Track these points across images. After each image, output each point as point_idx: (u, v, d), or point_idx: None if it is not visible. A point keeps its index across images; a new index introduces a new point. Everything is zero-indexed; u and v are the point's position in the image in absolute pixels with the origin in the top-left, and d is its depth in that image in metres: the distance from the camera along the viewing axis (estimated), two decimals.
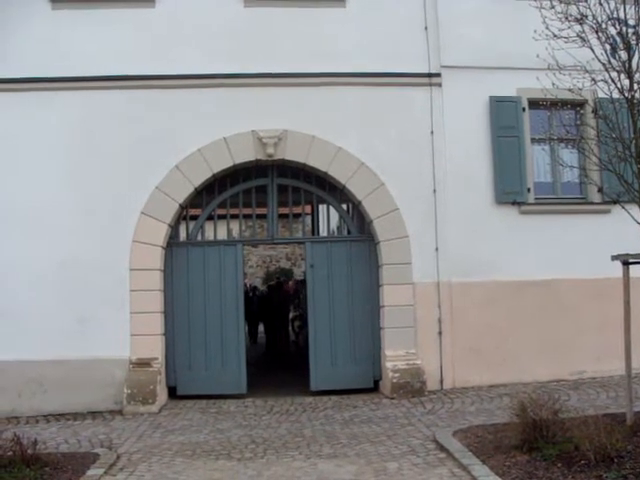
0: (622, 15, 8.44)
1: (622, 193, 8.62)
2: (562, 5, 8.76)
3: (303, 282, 21.88)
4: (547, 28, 8.71)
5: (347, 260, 12.44)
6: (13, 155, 11.61)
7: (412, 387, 11.54)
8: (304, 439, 9.06)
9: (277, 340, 20.34)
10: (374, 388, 12.17)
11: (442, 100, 12.32)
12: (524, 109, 12.36)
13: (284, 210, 13.00)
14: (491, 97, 12.32)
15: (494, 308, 11.94)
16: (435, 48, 12.36)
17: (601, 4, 8.42)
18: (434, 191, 12.16)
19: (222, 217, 12.66)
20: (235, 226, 12.97)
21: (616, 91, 8.38)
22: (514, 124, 12.32)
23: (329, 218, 13.06)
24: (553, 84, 8.92)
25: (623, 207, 8.53)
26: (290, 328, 21.02)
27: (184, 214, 12.49)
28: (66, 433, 9.85)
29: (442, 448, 8.17)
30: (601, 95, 8.97)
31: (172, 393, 11.99)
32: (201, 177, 12.03)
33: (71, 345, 11.28)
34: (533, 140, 12.53)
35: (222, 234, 12.75)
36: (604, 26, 8.45)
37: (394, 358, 11.80)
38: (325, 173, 12.26)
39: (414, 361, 11.81)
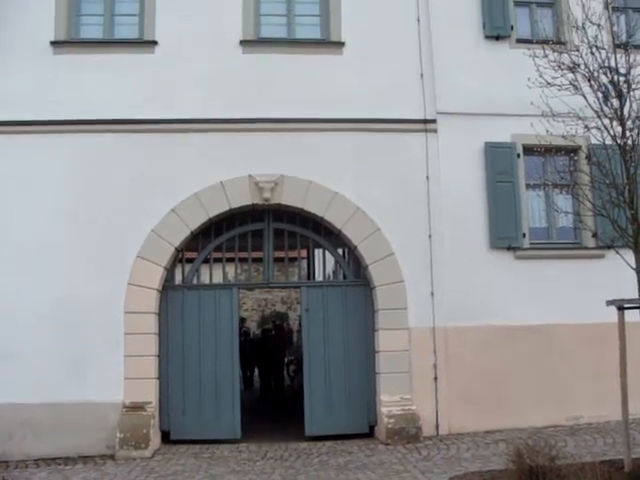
0: (613, 63, 8.58)
1: (616, 238, 8.69)
2: (555, 54, 8.92)
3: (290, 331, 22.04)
4: (541, 76, 8.86)
5: (343, 305, 12.42)
6: (11, 196, 11.65)
7: (407, 433, 11.43)
8: None
9: (272, 384, 20.21)
10: (369, 433, 12.06)
11: (438, 146, 12.42)
12: (519, 155, 12.45)
13: (280, 254, 13.01)
14: (486, 143, 12.42)
15: (490, 353, 11.89)
16: (431, 95, 12.51)
17: (593, 53, 8.58)
18: (429, 236, 12.20)
19: (218, 260, 12.68)
20: (231, 269, 12.98)
21: (609, 138, 8.50)
22: (509, 170, 12.40)
23: (325, 262, 13.06)
24: (547, 131, 9.05)
25: (617, 252, 8.60)
26: (285, 372, 20.91)
27: (180, 257, 12.49)
28: (57, 478, 9.76)
29: None
30: (594, 142, 9.11)
31: (165, 437, 11.85)
32: (198, 221, 12.06)
33: (64, 388, 11.17)
34: (528, 186, 12.59)
35: (218, 277, 12.76)
36: (596, 74, 8.60)
37: (389, 404, 11.71)
38: (321, 218, 12.30)
39: (409, 407, 11.73)
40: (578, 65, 8.66)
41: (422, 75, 12.56)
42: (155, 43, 12.31)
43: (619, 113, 8.49)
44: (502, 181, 12.37)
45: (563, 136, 8.92)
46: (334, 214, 12.21)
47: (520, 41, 12.57)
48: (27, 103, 11.85)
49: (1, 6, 12.09)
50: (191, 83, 12.20)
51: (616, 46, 8.92)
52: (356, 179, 12.27)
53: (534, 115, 9.40)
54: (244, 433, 12.04)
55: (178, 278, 12.54)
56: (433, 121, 12.48)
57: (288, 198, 12.19)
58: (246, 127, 12.12)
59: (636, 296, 8.19)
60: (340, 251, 12.99)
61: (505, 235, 12.28)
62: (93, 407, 11.19)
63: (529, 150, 11.88)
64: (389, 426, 11.48)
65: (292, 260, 14.14)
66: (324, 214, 12.21)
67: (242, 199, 12.13)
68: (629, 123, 8.50)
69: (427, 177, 12.33)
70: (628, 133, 8.47)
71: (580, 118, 8.76)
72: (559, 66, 8.80)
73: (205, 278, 12.84)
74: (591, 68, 8.62)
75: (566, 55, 8.78)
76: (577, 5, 9.01)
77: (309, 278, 15.84)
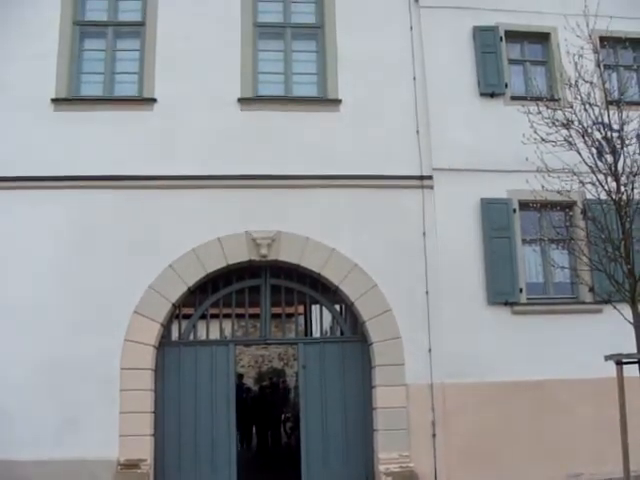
0: (606, 120, 8.70)
1: (613, 293, 8.70)
2: (549, 110, 9.05)
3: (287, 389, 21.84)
4: (535, 132, 8.99)
5: (340, 361, 12.34)
6: (7, 253, 11.65)
7: None
8: None
9: (269, 442, 19.98)
10: None
11: (434, 202, 12.49)
12: (515, 210, 12.51)
13: (277, 310, 12.93)
14: (482, 199, 12.49)
15: (488, 409, 11.77)
16: (427, 151, 12.64)
17: (586, 109, 8.72)
18: (427, 292, 12.18)
19: (215, 316, 12.62)
20: (228, 325, 12.90)
21: (604, 193, 8.59)
22: (505, 225, 12.45)
23: (322, 318, 13.04)
24: (542, 186, 9.13)
25: (615, 307, 8.61)
26: (282, 429, 20.66)
27: (177, 313, 12.45)
28: None
29: None
30: (589, 197, 9.19)
31: None
32: (195, 277, 12.05)
33: (58, 445, 11.02)
34: (524, 241, 12.63)
35: (215, 334, 12.67)
36: (590, 130, 8.73)
37: (387, 461, 11.56)
38: (319, 274, 12.30)
39: (407, 464, 11.58)
40: (572, 121, 8.79)
41: (418, 131, 12.70)
42: (154, 100, 12.47)
43: (613, 169, 8.59)
44: (498, 236, 12.40)
45: (558, 191, 9.01)
46: (331, 270, 12.21)
47: (514, 98, 12.75)
48: (26, 159, 11.94)
49: (2, 61, 12.29)
50: (189, 140, 12.32)
51: (609, 103, 9.07)
52: (353, 235, 12.30)
53: (529, 171, 9.51)
54: None
55: (175, 334, 12.46)
56: (429, 177, 12.58)
57: (285, 254, 12.20)
58: (243, 183, 12.20)
59: (634, 351, 8.17)
60: (337, 307, 12.94)
61: (502, 290, 12.26)
62: (87, 464, 10.99)
63: (525, 205, 11.93)
64: None
65: (289, 316, 14.06)
66: (321, 270, 12.21)
67: (239, 255, 12.15)
68: (623, 178, 8.59)
69: (424, 233, 12.37)
70: (622, 188, 8.55)
71: (575, 174, 8.85)
72: (553, 122, 8.94)
73: (202, 334, 12.77)
74: (585, 124, 8.75)
75: (560, 112, 8.92)
76: (569, 63, 9.20)
77: (306, 334, 15.78)
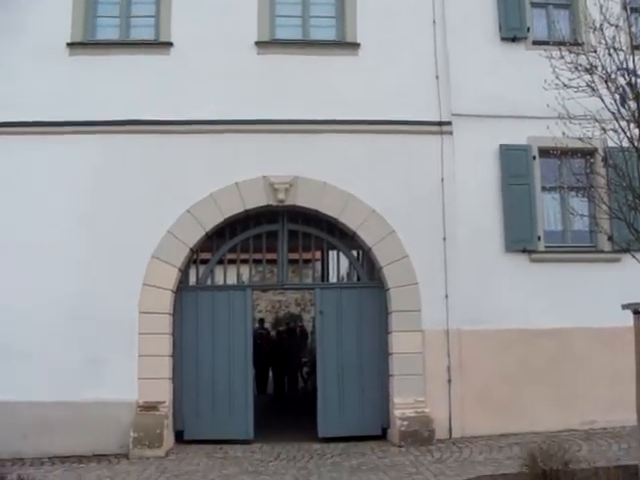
0: (631, 65, 8.51)
1: (632, 242, 8.60)
2: (572, 55, 8.86)
3: (305, 333, 22.00)
4: (557, 78, 8.80)
5: (356, 307, 12.40)
6: (28, 197, 11.73)
7: (420, 435, 11.40)
8: None
9: (285, 386, 20.22)
10: (382, 435, 12.04)
11: (452, 148, 12.38)
12: (534, 157, 12.39)
13: (294, 256, 12.98)
14: (501, 145, 12.38)
15: (504, 356, 11.83)
16: (446, 97, 12.48)
17: (610, 54, 8.50)
18: (444, 238, 12.15)
19: (232, 262, 12.68)
20: (245, 271, 12.98)
21: (626, 140, 8.42)
22: (524, 172, 12.35)
23: (339, 264, 13.05)
24: (563, 133, 8.97)
25: (633, 256, 8.52)
26: (299, 374, 20.90)
27: (194, 258, 12.52)
28: (71, 476, 9.79)
29: None
30: (611, 144, 9.01)
31: (179, 437, 11.89)
32: (212, 221, 12.08)
33: (79, 387, 11.23)
34: (543, 188, 12.54)
35: (232, 279, 12.73)
36: (613, 76, 8.52)
37: (402, 406, 11.69)
38: (336, 220, 12.30)
39: (423, 409, 11.70)
40: (595, 67, 8.60)
41: (437, 77, 12.53)
42: (171, 44, 12.36)
43: (636, 115, 8.41)
44: (517, 183, 12.32)
45: (579, 138, 8.85)
46: (349, 216, 12.20)
47: (536, 43, 12.53)
48: (44, 104, 11.91)
49: (18, 9, 12.17)
50: (206, 84, 12.22)
51: (634, 47, 8.85)
52: (371, 181, 12.24)
53: (550, 117, 9.33)
54: (257, 434, 12.05)
55: (192, 279, 12.56)
56: (448, 123, 12.45)
57: (302, 199, 12.20)
58: (261, 128, 12.13)
59: None
60: (354, 253, 12.97)
61: (520, 238, 12.22)
62: (107, 406, 11.23)
63: (545, 152, 11.82)
64: (402, 428, 11.45)
65: (306, 262, 14.12)
66: (339, 216, 12.20)
67: (257, 200, 12.15)
68: None
69: (442, 179, 12.29)
70: None
71: (597, 120, 8.68)
72: (576, 68, 8.74)
73: (219, 279, 12.84)
74: (608, 70, 8.54)
75: (583, 57, 8.71)
76: (594, 6, 8.94)
77: (323, 280, 15.84)
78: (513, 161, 12.36)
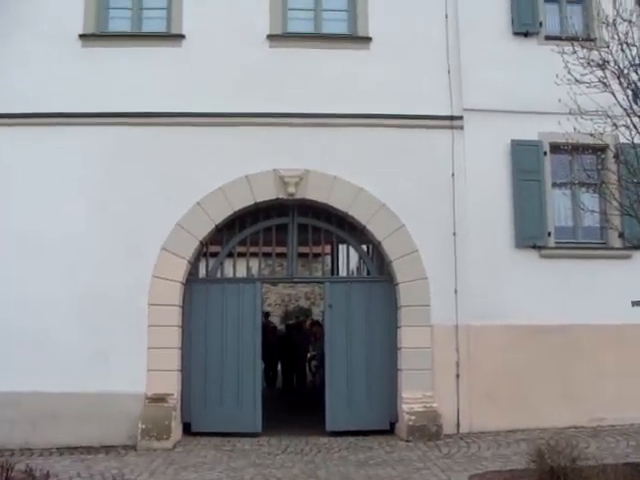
0: None
1: None
2: (584, 50, 8.83)
3: (318, 323, 21.93)
4: (569, 73, 8.76)
5: (366, 301, 12.39)
6: (40, 188, 11.77)
7: (428, 430, 11.40)
8: None
9: (294, 380, 20.23)
10: (390, 430, 12.03)
11: (463, 143, 12.35)
12: (545, 153, 12.35)
13: (304, 249, 12.99)
14: (512, 141, 12.34)
15: (513, 352, 11.81)
16: (457, 91, 12.44)
17: (623, 50, 8.48)
18: (454, 234, 12.13)
19: (242, 255, 12.70)
20: (254, 264, 13.00)
21: (637, 136, 8.40)
22: (535, 168, 12.31)
23: (348, 258, 13.04)
24: (575, 129, 8.95)
25: None
26: (307, 368, 20.92)
27: (204, 251, 12.53)
28: (79, 467, 9.82)
29: None
30: (622, 140, 9.00)
31: (187, 429, 11.92)
32: (222, 214, 12.09)
33: (87, 378, 11.27)
34: (554, 184, 12.50)
35: (241, 272, 12.76)
36: (626, 72, 8.49)
37: (411, 400, 11.69)
38: (346, 213, 12.29)
39: (431, 404, 11.69)
40: (608, 62, 8.57)
41: (449, 71, 12.48)
42: (182, 37, 12.36)
43: None
44: (528, 179, 12.28)
45: (591, 134, 8.83)
46: (359, 210, 12.19)
47: (549, 38, 12.45)
48: (56, 95, 11.94)
49: (31, 0, 12.19)
50: (218, 77, 12.23)
51: None
52: (381, 175, 12.22)
53: (562, 113, 9.30)
54: (265, 427, 12.06)
55: (202, 272, 12.59)
56: (459, 117, 12.42)
57: (313, 193, 12.19)
58: (272, 121, 12.13)
59: None
60: (364, 247, 12.96)
61: (530, 234, 12.19)
62: (116, 398, 11.26)
63: (556, 148, 11.76)
64: (410, 423, 11.46)
65: (316, 255, 14.12)
66: (349, 209, 12.19)
67: (267, 193, 12.15)
68: None
69: (453, 174, 12.26)
70: None
71: (608, 116, 8.65)
72: (588, 63, 8.71)
73: (229, 272, 12.86)
74: (621, 65, 8.52)
75: (595, 52, 8.69)
76: (607, 1, 8.92)
77: (333, 274, 15.85)
78: (524, 156, 12.32)
